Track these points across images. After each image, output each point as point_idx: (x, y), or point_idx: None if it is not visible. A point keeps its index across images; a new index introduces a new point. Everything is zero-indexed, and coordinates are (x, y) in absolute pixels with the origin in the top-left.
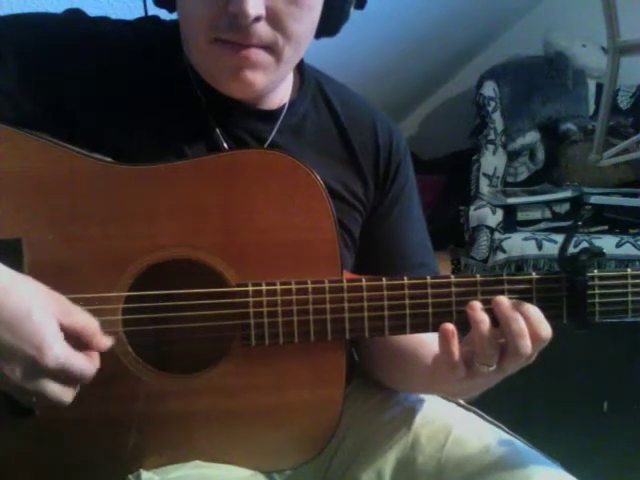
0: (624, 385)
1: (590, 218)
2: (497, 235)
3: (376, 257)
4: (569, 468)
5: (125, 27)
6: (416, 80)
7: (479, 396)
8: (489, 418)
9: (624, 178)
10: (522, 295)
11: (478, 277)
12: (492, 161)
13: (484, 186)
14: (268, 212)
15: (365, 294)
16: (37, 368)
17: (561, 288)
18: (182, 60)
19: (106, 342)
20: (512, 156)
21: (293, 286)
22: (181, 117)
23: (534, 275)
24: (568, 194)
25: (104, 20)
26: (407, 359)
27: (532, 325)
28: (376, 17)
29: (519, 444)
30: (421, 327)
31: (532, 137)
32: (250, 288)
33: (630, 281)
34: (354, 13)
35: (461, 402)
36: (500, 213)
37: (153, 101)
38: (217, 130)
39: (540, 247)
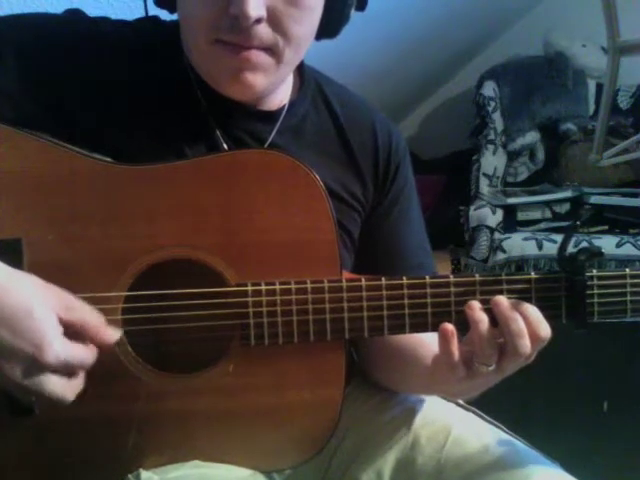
0: (624, 385)
1: (590, 218)
2: (497, 235)
3: (375, 258)
4: (569, 468)
5: (125, 27)
6: (416, 80)
7: (479, 396)
8: (489, 418)
9: (624, 178)
10: (521, 295)
11: (477, 277)
12: (492, 161)
13: (484, 186)
14: (268, 212)
15: (364, 294)
16: (37, 366)
17: (560, 288)
18: (182, 61)
19: (112, 335)
20: (512, 156)
21: (292, 286)
22: (181, 118)
23: (533, 275)
24: (568, 194)
25: (104, 20)
26: (406, 360)
27: (531, 325)
28: (376, 17)
29: (519, 444)
30: (420, 327)
31: (532, 137)
32: (249, 288)
33: (629, 281)
34: (354, 13)
35: (460, 402)
36: (500, 213)
37: (153, 101)
38: (217, 131)
39: (540, 247)
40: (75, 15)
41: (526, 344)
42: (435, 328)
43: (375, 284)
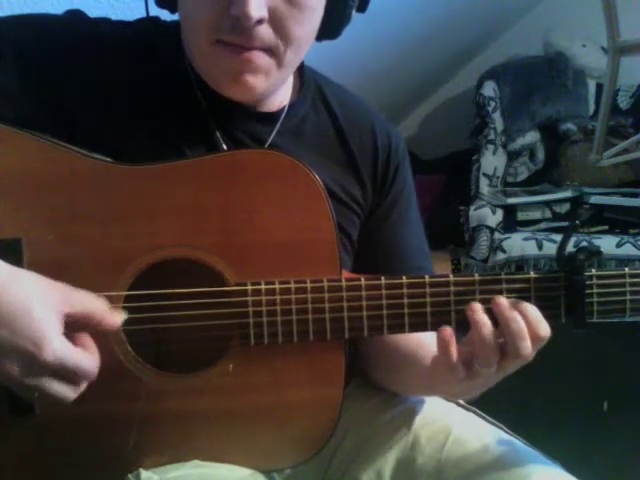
0: (624, 385)
1: (590, 218)
2: (497, 235)
3: (374, 260)
4: (569, 468)
5: (125, 28)
6: (416, 80)
7: (479, 396)
8: (489, 418)
9: (624, 178)
10: (520, 294)
11: (476, 276)
12: (492, 161)
13: (484, 186)
14: (267, 212)
15: (364, 293)
16: (36, 364)
17: (559, 287)
18: (182, 61)
19: (117, 319)
20: (512, 156)
21: (292, 285)
22: (181, 118)
23: (532, 274)
24: (568, 194)
25: (104, 21)
26: (407, 361)
27: (531, 324)
28: (376, 17)
29: (519, 444)
30: (420, 326)
31: (532, 137)
32: (249, 287)
33: (628, 280)
34: (354, 14)
35: (461, 402)
36: (500, 213)
37: (153, 102)
38: (217, 131)
39: (540, 247)
40: (75, 16)
41: (527, 345)
42: (434, 327)
43: (375, 283)
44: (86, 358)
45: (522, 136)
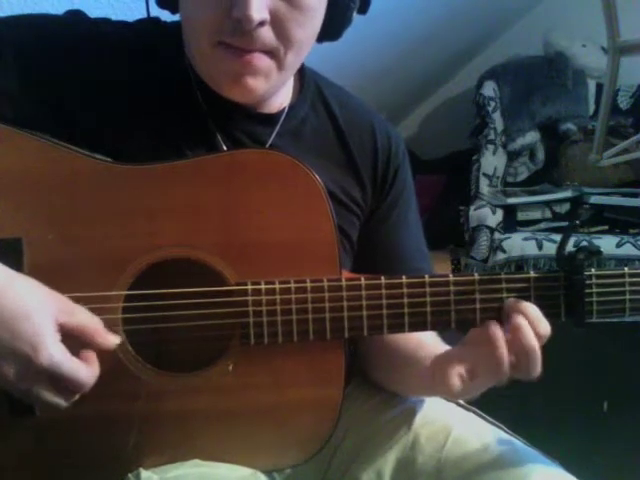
0: (624, 385)
1: (590, 218)
2: (497, 235)
3: (373, 261)
4: (569, 468)
5: (125, 28)
6: (416, 80)
7: (479, 396)
8: (489, 418)
9: (624, 178)
10: (520, 294)
11: (476, 276)
12: (492, 161)
13: (484, 186)
14: (267, 212)
15: (364, 293)
16: (32, 368)
17: (559, 287)
18: (183, 61)
19: (112, 340)
20: (512, 156)
21: (292, 285)
22: (181, 118)
23: (532, 274)
24: (568, 194)
25: (105, 21)
26: (407, 361)
27: (531, 323)
28: (376, 17)
29: (518, 444)
30: (419, 326)
31: (532, 137)
32: (249, 287)
33: (628, 280)
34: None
35: (461, 402)
36: (500, 213)
37: (153, 102)
38: (217, 132)
39: (540, 247)
40: (76, 16)
41: (538, 367)
42: (434, 327)
43: (374, 283)
44: (83, 369)
45: (522, 136)
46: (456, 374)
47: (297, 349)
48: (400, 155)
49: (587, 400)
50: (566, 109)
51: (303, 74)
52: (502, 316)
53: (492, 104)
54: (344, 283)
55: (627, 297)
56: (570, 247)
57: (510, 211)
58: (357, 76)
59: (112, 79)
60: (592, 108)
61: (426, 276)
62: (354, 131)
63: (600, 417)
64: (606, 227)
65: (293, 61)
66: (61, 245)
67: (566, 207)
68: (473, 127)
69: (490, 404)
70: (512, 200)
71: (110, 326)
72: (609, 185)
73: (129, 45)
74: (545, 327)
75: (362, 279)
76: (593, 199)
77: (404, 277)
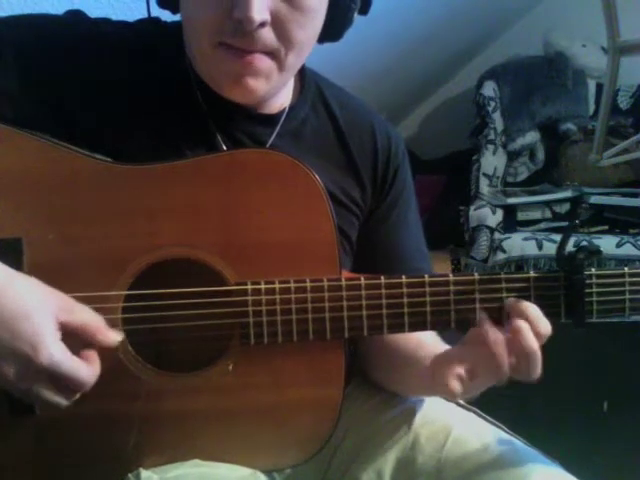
0: (624, 385)
1: (590, 218)
2: (497, 235)
3: (373, 262)
4: (569, 468)
5: (126, 28)
6: (416, 80)
7: (479, 396)
8: (489, 418)
9: (624, 178)
10: (520, 294)
11: (476, 276)
12: (492, 161)
13: (484, 186)
14: (267, 211)
15: (364, 293)
16: (32, 367)
17: (559, 287)
18: (183, 62)
19: (113, 337)
20: (512, 156)
21: (292, 285)
22: (181, 118)
23: (532, 274)
24: (568, 194)
25: (105, 21)
26: (407, 360)
27: (531, 323)
28: (376, 17)
29: (518, 444)
30: (419, 325)
31: (532, 137)
32: (249, 287)
33: (627, 279)
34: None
35: (461, 402)
36: (500, 213)
37: (153, 102)
38: (217, 133)
39: (540, 247)
40: (76, 16)
41: (538, 368)
42: (434, 327)
43: (374, 283)
44: (83, 368)
45: (522, 136)
46: (456, 374)
47: (297, 349)
48: (400, 155)
49: (587, 400)
50: (566, 109)
51: (303, 75)
52: (502, 316)
53: (492, 104)
54: (344, 283)
55: (627, 297)
56: (570, 247)
57: (510, 211)
58: (357, 76)
59: (112, 79)
60: (592, 108)
61: (426, 276)
62: (354, 132)
63: (600, 417)
64: (606, 227)
65: (294, 62)
66: (61, 245)
67: (566, 207)
68: (473, 127)
69: (490, 404)
70: (512, 200)
71: (110, 326)
72: (609, 185)
73: (129, 45)
74: (546, 326)
75: (362, 279)
76: (593, 199)
77: (404, 277)
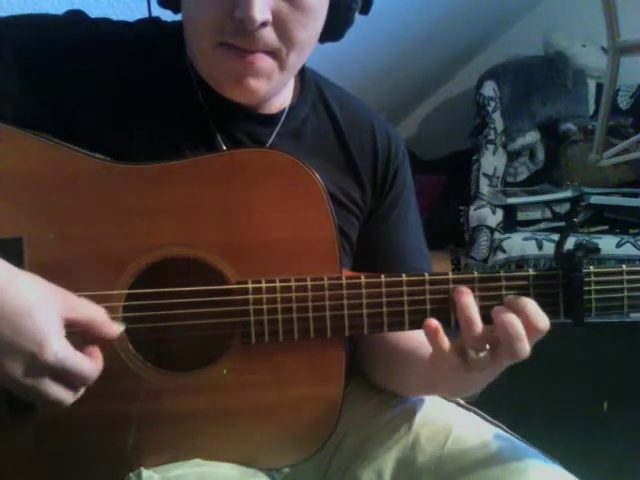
0: (624, 385)
1: (590, 218)
2: (497, 235)
3: (373, 262)
4: (569, 468)
5: (126, 28)
6: (416, 80)
7: (479, 396)
8: (489, 418)
9: (624, 178)
10: (519, 292)
11: (475, 274)
12: (492, 161)
13: (484, 186)
14: (267, 210)
15: (364, 291)
16: (37, 364)
17: (557, 285)
18: (183, 61)
19: (116, 329)
20: (512, 156)
21: (292, 283)
22: (181, 118)
23: (531, 272)
24: (568, 194)
25: (105, 21)
26: (407, 359)
27: (529, 318)
28: (376, 17)
29: (518, 442)
30: (419, 324)
31: (532, 137)
32: (250, 285)
33: (625, 277)
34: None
35: (461, 402)
36: (500, 213)
37: (153, 102)
38: (217, 132)
39: (540, 247)
40: (76, 16)
41: (525, 348)
42: None
43: (374, 281)
44: (87, 362)
45: (522, 136)
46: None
47: (298, 347)
48: (400, 155)
49: (587, 400)
50: (566, 109)
51: (304, 75)
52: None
53: (492, 104)
54: (344, 281)
55: (625, 294)
56: (569, 246)
57: (510, 211)
58: (357, 76)
59: (112, 79)
60: (592, 108)
61: (426, 274)
62: (354, 132)
63: (600, 417)
64: (606, 227)
65: (295, 62)
66: (62, 245)
67: (566, 207)
68: (473, 127)
69: (490, 404)
70: (512, 200)
71: None
72: (609, 185)
73: (129, 45)
74: (544, 321)
75: (362, 277)
76: (593, 199)
77: (404, 275)
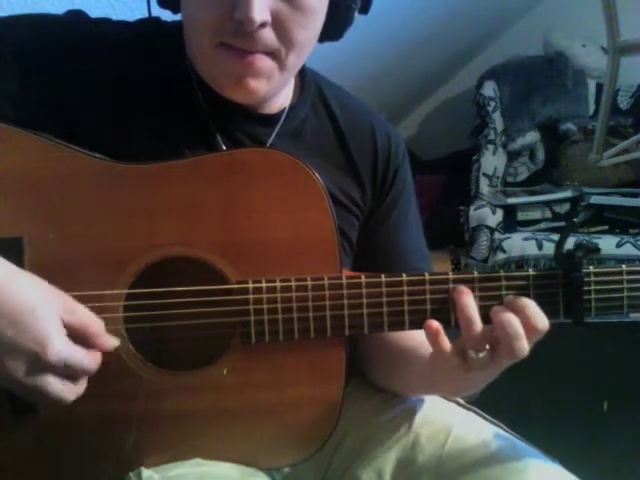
0: (624, 385)
1: (590, 218)
2: (497, 235)
3: (373, 261)
4: (569, 468)
5: (126, 28)
6: (416, 80)
7: (479, 395)
8: (489, 418)
9: (624, 178)
10: (519, 292)
11: (475, 274)
12: (492, 161)
13: (484, 186)
14: (267, 210)
15: (364, 291)
16: (40, 364)
17: (557, 284)
18: (183, 62)
19: (112, 342)
20: (512, 156)
21: (293, 283)
22: (181, 118)
23: (531, 272)
24: (568, 194)
25: (105, 21)
26: (407, 359)
27: (528, 318)
28: (376, 17)
29: (518, 441)
30: (420, 323)
31: (532, 137)
32: (250, 285)
33: (625, 277)
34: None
35: (461, 402)
36: (500, 213)
37: (153, 102)
38: (217, 133)
39: (540, 247)
40: (76, 16)
41: (523, 347)
42: None
43: (375, 281)
44: (87, 356)
45: (522, 136)
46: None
47: (298, 347)
48: (400, 155)
49: (587, 400)
50: (566, 109)
51: (304, 75)
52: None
53: (492, 104)
54: (344, 281)
55: (625, 294)
56: (569, 246)
57: (510, 211)
58: (357, 76)
59: (112, 79)
60: (592, 108)
61: (426, 274)
62: (354, 132)
63: (600, 417)
64: (606, 227)
65: (295, 62)
66: (62, 244)
67: (566, 207)
68: (473, 127)
69: (490, 404)
70: (512, 200)
71: (111, 325)
72: (609, 185)
73: (129, 45)
74: (543, 321)
75: (362, 277)
76: (593, 199)
77: (404, 275)
